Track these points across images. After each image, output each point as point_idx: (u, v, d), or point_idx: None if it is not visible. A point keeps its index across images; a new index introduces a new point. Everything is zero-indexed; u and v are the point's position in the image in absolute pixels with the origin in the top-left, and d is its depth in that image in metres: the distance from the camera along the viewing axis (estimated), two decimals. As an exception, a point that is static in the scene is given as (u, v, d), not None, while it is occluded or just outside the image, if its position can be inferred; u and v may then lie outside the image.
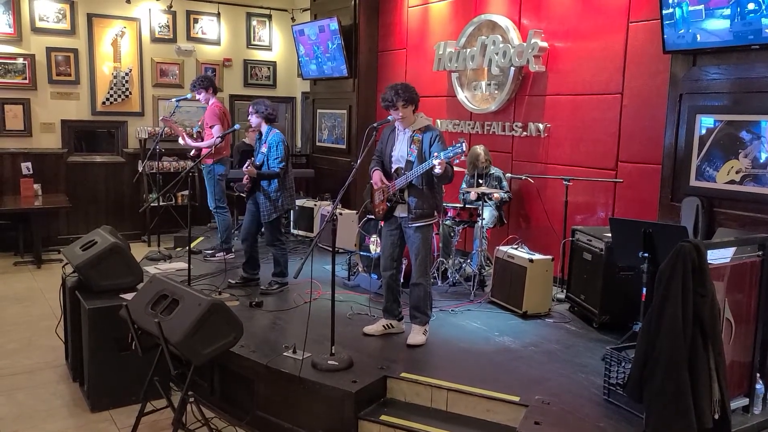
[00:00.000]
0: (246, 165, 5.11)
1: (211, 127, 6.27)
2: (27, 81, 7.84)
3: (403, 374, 3.71)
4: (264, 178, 5.17)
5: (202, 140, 6.51)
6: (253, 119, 5.29)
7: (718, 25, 4.21)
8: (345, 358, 3.77)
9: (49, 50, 7.96)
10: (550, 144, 5.93)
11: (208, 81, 6.40)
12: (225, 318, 3.37)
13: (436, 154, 3.93)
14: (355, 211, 6.47)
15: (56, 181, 8.10)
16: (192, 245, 5.76)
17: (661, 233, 3.69)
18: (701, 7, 4.27)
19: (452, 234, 5.70)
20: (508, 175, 6.03)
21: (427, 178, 4.09)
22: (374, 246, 5.46)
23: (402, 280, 4.56)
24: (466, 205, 5.65)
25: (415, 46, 7.51)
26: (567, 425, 3.16)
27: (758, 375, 3.49)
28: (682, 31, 4.42)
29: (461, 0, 6.84)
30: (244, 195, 5.47)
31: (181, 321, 3.23)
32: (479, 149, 5.85)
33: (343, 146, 8.43)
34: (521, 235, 5.80)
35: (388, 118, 4.21)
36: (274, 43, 9.69)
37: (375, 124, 4.14)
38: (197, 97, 6.36)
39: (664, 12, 4.50)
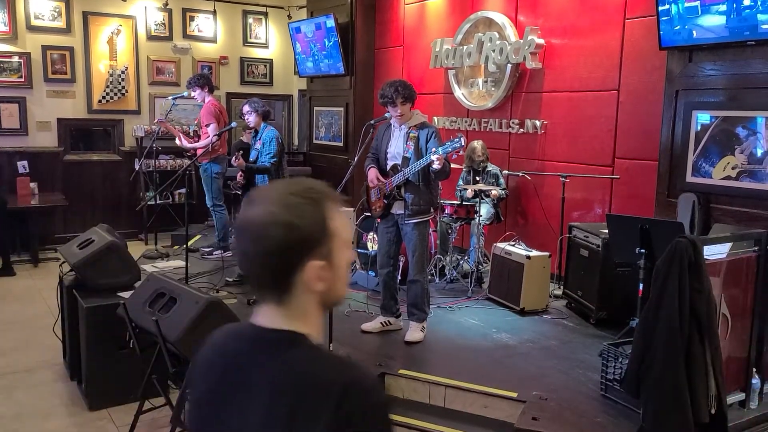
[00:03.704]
0: (234, 157, 5.11)
1: (207, 126, 6.26)
2: (22, 79, 7.81)
3: (401, 371, 3.72)
4: (255, 172, 5.17)
5: (199, 139, 6.50)
6: (252, 118, 5.29)
7: (713, 21, 4.21)
8: (343, 355, 3.77)
9: (45, 48, 7.93)
10: (546, 141, 5.94)
11: (204, 79, 6.39)
12: (223, 316, 3.36)
13: (434, 149, 3.93)
14: (352, 209, 6.47)
15: (53, 180, 8.08)
16: (189, 243, 5.76)
17: (658, 229, 3.71)
18: (697, 3, 4.28)
19: (449, 231, 5.71)
20: (505, 172, 6.03)
21: (423, 175, 4.09)
22: (371, 243, 5.46)
23: (399, 277, 4.56)
24: (463, 202, 5.66)
25: (411, 43, 7.51)
26: (564, 421, 3.17)
27: (754, 370, 3.50)
28: (678, 27, 4.42)
29: (458, -3, 6.84)
30: (239, 193, 5.47)
31: (179, 319, 3.23)
32: (476, 143, 5.86)
33: (340, 144, 8.42)
34: (518, 231, 5.81)
35: (386, 115, 4.21)
36: (271, 41, 9.67)
37: (372, 122, 4.15)
38: (192, 94, 6.35)
39: (660, 8, 4.50)
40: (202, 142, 6.33)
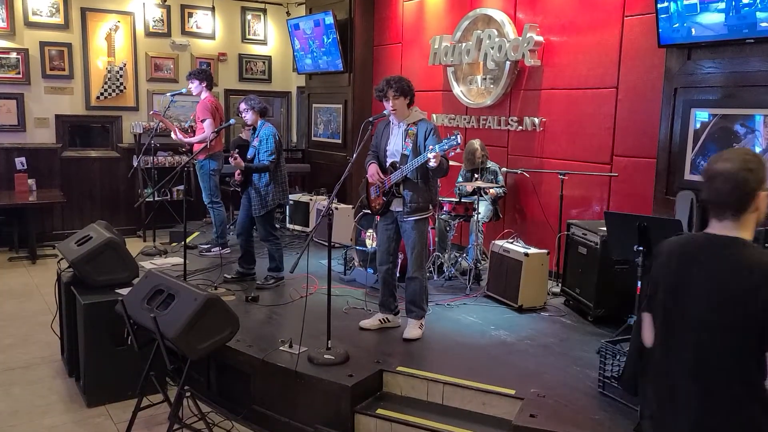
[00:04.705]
0: (232, 157, 5.07)
1: (202, 122, 6.24)
2: (20, 76, 7.80)
3: (399, 368, 3.72)
4: (254, 171, 5.14)
5: (194, 134, 6.48)
6: (249, 116, 5.27)
7: (712, 19, 4.22)
8: (341, 352, 3.78)
9: (43, 44, 7.92)
10: (545, 138, 5.94)
11: (204, 74, 6.37)
12: (221, 313, 3.37)
13: (431, 147, 3.93)
14: (351, 206, 6.47)
15: (51, 176, 8.07)
16: (187, 240, 5.76)
17: (656, 227, 3.70)
18: (696, 0, 4.28)
19: (448, 228, 5.71)
20: (504, 169, 6.03)
21: (422, 172, 4.09)
22: (370, 241, 5.47)
23: (398, 275, 4.56)
24: (462, 199, 5.66)
25: (410, 40, 7.50)
26: (562, 418, 3.17)
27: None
28: (677, 25, 4.42)
29: (457, -6, 6.83)
30: (239, 190, 5.46)
31: (177, 316, 3.23)
32: (476, 144, 5.84)
33: (339, 141, 8.42)
34: (517, 229, 5.81)
35: (384, 112, 4.21)
36: (269, 38, 9.66)
37: (371, 119, 4.14)
38: (190, 86, 6.33)
39: (659, 6, 4.50)
40: (196, 137, 6.31)
